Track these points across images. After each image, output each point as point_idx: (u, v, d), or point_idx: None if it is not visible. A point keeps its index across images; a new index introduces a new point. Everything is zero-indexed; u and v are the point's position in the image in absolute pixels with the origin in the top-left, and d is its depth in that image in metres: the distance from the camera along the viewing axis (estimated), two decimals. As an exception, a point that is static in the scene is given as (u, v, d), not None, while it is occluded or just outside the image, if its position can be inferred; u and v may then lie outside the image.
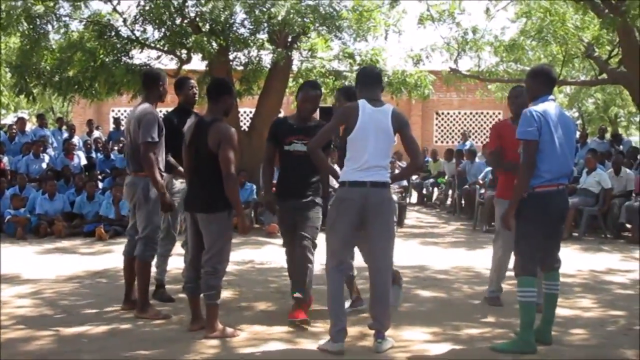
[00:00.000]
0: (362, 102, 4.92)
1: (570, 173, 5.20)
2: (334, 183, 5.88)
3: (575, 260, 9.22)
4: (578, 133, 17.79)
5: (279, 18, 11.41)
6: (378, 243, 4.95)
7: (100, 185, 13.02)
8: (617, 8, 12.26)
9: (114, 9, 13.26)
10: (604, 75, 15.40)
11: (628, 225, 11.33)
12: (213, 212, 5.19)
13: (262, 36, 12.96)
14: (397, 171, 10.65)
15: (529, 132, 4.86)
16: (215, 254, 5.19)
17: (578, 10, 14.83)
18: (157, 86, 6.02)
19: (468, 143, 18.59)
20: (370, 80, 5.10)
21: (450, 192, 15.85)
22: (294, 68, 14.07)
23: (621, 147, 15.39)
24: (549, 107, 4.99)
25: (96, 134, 17.44)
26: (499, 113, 26.61)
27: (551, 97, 5.09)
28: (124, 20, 13.05)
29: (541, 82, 5.10)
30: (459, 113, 27.53)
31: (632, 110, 30.35)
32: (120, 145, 14.96)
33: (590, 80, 18.36)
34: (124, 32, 12.93)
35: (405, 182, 13.86)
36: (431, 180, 16.84)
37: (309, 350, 4.94)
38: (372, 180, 4.84)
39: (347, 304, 5.65)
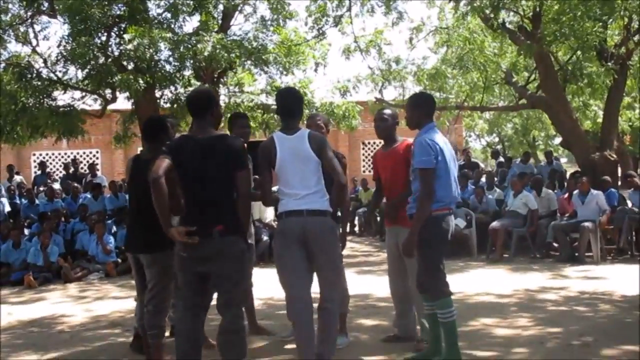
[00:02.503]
0: (276, 135, 4.86)
1: (457, 198, 5.31)
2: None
3: (508, 280, 9.45)
4: (501, 158, 18.34)
5: (205, 54, 11.38)
6: (323, 275, 4.83)
7: (27, 231, 12.59)
8: (532, 35, 12.74)
9: (34, 50, 13.02)
10: (523, 101, 15.90)
11: (555, 244, 11.63)
12: (155, 252, 5.08)
13: (188, 72, 12.91)
14: None
15: (427, 160, 4.96)
16: (158, 293, 5.07)
17: (496, 38, 15.32)
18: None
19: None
20: (284, 110, 4.97)
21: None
22: (222, 103, 14.03)
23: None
24: (437, 135, 5.13)
25: (17, 179, 16.91)
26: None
27: (433, 123, 5.24)
28: (45, 61, 12.82)
29: (424, 110, 5.24)
30: (385, 142, 27.86)
31: (550, 134, 31.42)
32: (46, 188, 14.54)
33: (510, 106, 18.95)
34: (45, 73, 12.67)
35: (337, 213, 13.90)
36: (363, 209, 16.94)
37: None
38: (308, 209, 4.72)
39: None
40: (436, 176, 4.99)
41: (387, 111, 5.81)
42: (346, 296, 6.04)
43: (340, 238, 5.40)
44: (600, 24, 12.00)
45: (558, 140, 21.10)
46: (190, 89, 12.88)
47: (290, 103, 5.02)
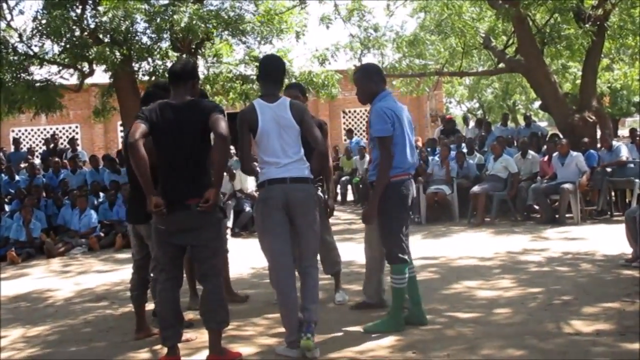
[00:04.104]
0: (257, 102, 4.83)
1: (415, 163, 5.43)
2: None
3: (490, 243, 9.54)
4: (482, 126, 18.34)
5: (182, 25, 11.29)
6: (305, 241, 4.87)
7: (7, 207, 12.52)
8: (510, -2, 12.71)
9: (8, 25, 12.83)
10: (502, 65, 15.89)
11: (536, 207, 11.74)
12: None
13: (166, 44, 12.80)
14: None
15: (385, 129, 5.05)
16: None
17: (474, 2, 15.27)
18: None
19: (355, 139, 19.05)
20: (269, 76, 4.94)
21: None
22: (200, 75, 13.92)
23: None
24: (393, 102, 5.23)
25: (-2, 155, 16.74)
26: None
27: (388, 90, 5.32)
28: (20, 36, 12.66)
29: (377, 79, 5.32)
30: (365, 111, 27.85)
31: (531, 97, 31.46)
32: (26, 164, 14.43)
33: (489, 70, 18.97)
34: (21, 48, 12.54)
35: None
36: (345, 177, 16.95)
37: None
38: (291, 176, 4.73)
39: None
40: (394, 143, 5.07)
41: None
42: (338, 255, 6.41)
43: (326, 205, 5.74)
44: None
45: (538, 103, 21.18)
46: (168, 60, 12.80)
47: (276, 70, 5.03)
